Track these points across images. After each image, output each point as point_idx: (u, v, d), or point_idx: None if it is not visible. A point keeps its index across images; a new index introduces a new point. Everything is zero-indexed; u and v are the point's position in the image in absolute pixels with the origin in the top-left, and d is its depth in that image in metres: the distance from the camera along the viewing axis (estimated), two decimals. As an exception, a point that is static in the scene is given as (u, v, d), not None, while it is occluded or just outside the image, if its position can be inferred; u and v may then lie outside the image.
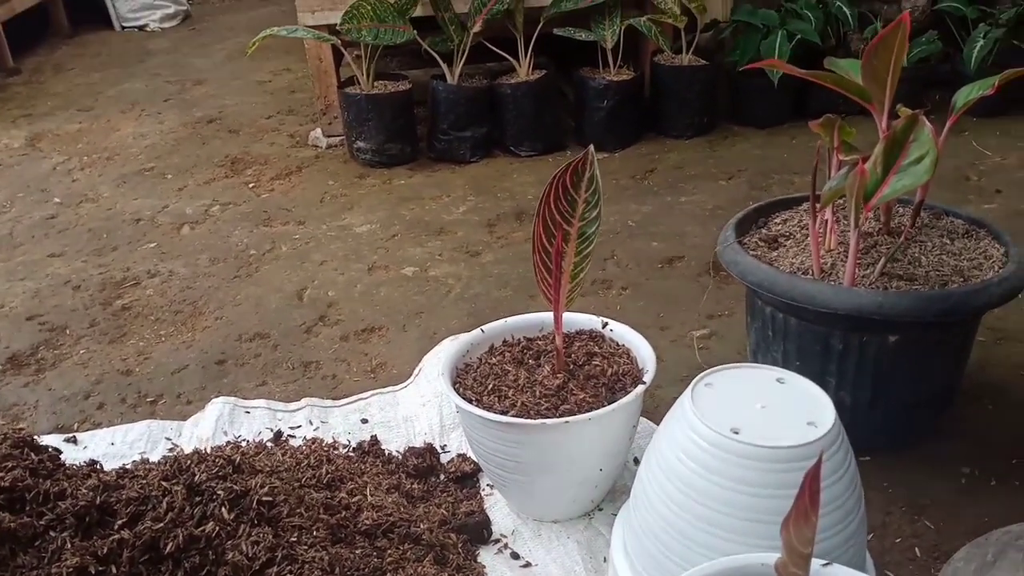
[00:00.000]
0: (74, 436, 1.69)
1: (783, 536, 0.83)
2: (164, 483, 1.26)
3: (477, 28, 2.86)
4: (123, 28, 5.51)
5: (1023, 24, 3.05)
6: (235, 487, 1.25)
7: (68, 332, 2.07)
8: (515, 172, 2.88)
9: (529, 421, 1.25)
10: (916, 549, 1.32)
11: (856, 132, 1.49)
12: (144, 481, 1.27)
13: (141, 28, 5.49)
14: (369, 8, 2.73)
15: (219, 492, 1.24)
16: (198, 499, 1.24)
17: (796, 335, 1.43)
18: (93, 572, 1.14)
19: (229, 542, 1.19)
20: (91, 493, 1.22)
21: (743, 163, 2.84)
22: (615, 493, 1.44)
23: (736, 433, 1.03)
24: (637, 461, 1.50)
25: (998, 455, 1.49)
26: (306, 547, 1.21)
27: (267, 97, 3.86)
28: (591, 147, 1.31)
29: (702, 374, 1.13)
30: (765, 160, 2.85)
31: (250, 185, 2.90)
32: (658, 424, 1.57)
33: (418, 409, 1.69)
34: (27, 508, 1.21)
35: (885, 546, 1.33)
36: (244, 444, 1.59)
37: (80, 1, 5.42)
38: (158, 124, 3.56)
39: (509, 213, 2.58)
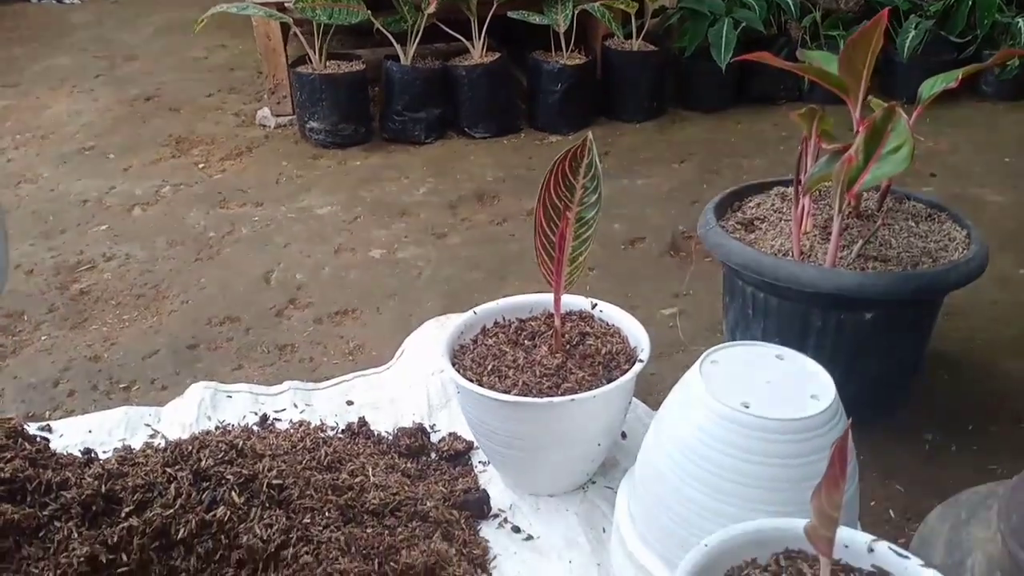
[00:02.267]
0: (48, 424, 1.64)
1: (814, 503, 0.88)
2: (168, 469, 1.25)
3: (432, 9, 2.85)
4: (39, 0, 5.25)
5: (949, 16, 3.22)
6: (243, 471, 1.25)
7: (26, 318, 2.00)
8: (471, 154, 2.89)
9: (537, 400, 1.29)
10: (890, 511, 1.42)
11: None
12: (147, 468, 1.26)
13: (59, 0, 5.24)
14: (324, -14, 2.69)
15: (228, 477, 1.24)
16: (205, 484, 1.24)
17: (776, 314, 1.51)
18: (103, 561, 1.13)
19: (242, 525, 1.20)
20: (96, 481, 1.20)
21: (693, 147, 2.92)
22: (605, 466, 1.49)
23: (746, 407, 1.09)
24: (625, 435, 1.56)
25: (955, 422, 1.61)
26: (320, 528, 1.22)
27: (205, 74, 3.76)
28: (589, 134, 1.35)
29: (706, 352, 1.19)
30: (713, 144, 2.94)
31: (199, 165, 2.83)
32: (638, 398, 1.64)
33: (404, 390, 1.71)
34: (29, 499, 1.18)
35: (862, 509, 1.41)
36: (232, 428, 1.58)
37: (-9, -31, 5.15)
38: (92, 101, 3.43)
39: (470, 195, 2.60)
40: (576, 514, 1.39)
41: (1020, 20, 3.15)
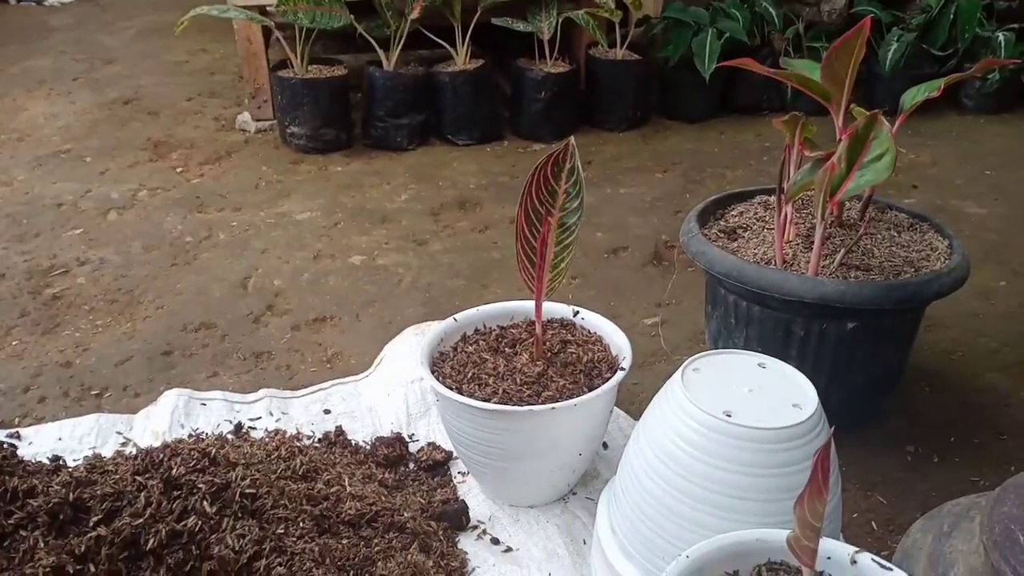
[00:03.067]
0: (17, 432, 1.60)
1: (797, 512, 0.87)
2: (138, 478, 1.22)
3: (415, 15, 2.84)
4: (19, 2, 5.19)
5: (931, 29, 3.24)
6: (215, 480, 1.22)
7: (-4, 323, 1.96)
8: (454, 161, 2.88)
9: (517, 408, 1.27)
10: (872, 523, 1.41)
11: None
12: (116, 476, 1.23)
13: (39, 2, 5.19)
14: (306, -10, 2.67)
15: (199, 485, 1.21)
16: (176, 493, 1.20)
17: (759, 322, 1.49)
18: (71, 571, 1.10)
19: (213, 536, 1.16)
20: (63, 489, 1.17)
21: (676, 156, 2.92)
22: (586, 477, 1.47)
23: (729, 416, 1.08)
24: (606, 446, 1.54)
25: (937, 434, 1.60)
26: (294, 538, 1.19)
27: (185, 78, 3.72)
28: (571, 139, 1.33)
29: (688, 360, 1.17)
30: (697, 154, 2.94)
31: (178, 170, 2.79)
32: (620, 408, 1.63)
33: (382, 399, 1.68)
34: (-7, 507, 1.15)
35: (844, 521, 1.40)
36: (205, 436, 1.55)
37: (-31, -29, 5.09)
38: (70, 104, 3.38)
39: (452, 202, 2.58)
40: (556, 526, 1.37)
41: (1000, 34, 3.18)
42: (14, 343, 1.88)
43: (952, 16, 3.19)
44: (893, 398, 1.64)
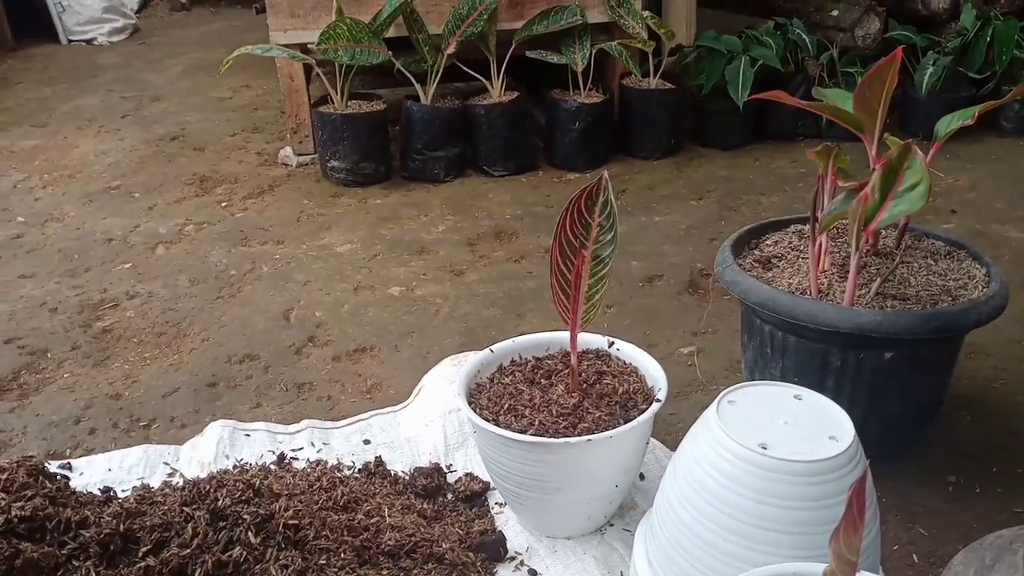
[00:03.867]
0: (68, 463, 1.65)
1: (832, 546, 0.87)
2: (186, 509, 1.25)
3: (451, 50, 2.90)
4: (70, 42, 5.39)
5: (967, 53, 3.22)
6: (260, 511, 1.25)
7: (49, 356, 2.02)
8: (490, 192, 2.92)
9: (553, 440, 1.28)
10: (913, 555, 1.39)
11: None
12: (165, 507, 1.26)
13: (89, 42, 5.38)
14: (345, 28, 2.74)
15: (244, 516, 1.24)
16: (222, 524, 1.24)
17: (795, 352, 1.50)
18: (121, 601, 1.13)
19: (258, 566, 1.20)
20: (114, 520, 1.21)
21: (711, 184, 2.93)
22: (623, 509, 1.48)
23: (764, 448, 1.08)
24: (643, 477, 1.54)
25: (979, 464, 1.58)
26: (336, 569, 1.22)
27: (229, 114, 3.82)
28: (604, 173, 1.36)
29: (724, 392, 1.18)
30: (731, 181, 2.95)
31: (222, 204, 2.87)
32: (656, 438, 1.63)
33: (421, 429, 1.71)
34: (48, 537, 1.19)
35: (885, 553, 1.39)
36: (249, 467, 1.58)
37: (23, 13, 5.28)
38: (119, 141, 3.50)
39: (488, 232, 2.61)
40: (593, 557, 1.38)
41: (1039, 56, 3.15)
42: (66, 375, 1.95)
43: (989, 39, 3.17)
44: (933, 427, 1.63)
